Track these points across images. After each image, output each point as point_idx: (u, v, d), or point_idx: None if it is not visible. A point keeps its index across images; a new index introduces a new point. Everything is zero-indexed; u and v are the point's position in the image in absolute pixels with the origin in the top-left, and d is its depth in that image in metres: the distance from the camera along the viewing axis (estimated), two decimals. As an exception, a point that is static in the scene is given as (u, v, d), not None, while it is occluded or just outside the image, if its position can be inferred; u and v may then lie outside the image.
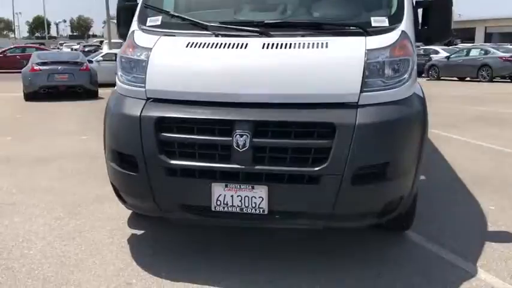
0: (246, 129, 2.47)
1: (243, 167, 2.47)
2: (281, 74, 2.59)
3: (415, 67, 2.86)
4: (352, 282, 2.64)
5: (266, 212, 2.51)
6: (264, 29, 2.81)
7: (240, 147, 2.45)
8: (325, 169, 2.41)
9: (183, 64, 2.76)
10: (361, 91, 2.53)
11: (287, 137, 2.46)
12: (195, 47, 2.77)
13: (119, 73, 2.95)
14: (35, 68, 11.81)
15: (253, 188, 2.49)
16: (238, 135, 2.46)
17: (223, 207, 2.54)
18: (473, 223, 3.53)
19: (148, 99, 2.72)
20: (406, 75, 2.67)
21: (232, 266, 2.80)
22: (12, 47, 25.33)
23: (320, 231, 2.91)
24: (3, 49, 25.24)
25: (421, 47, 24.18)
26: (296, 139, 2.46)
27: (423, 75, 19.42)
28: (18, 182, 4.55)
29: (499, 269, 2.82)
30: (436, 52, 21.61)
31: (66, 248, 3.08)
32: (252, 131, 2.46)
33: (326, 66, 2.59)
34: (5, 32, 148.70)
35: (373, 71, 2.58)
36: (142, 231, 3.34)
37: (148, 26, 3.05)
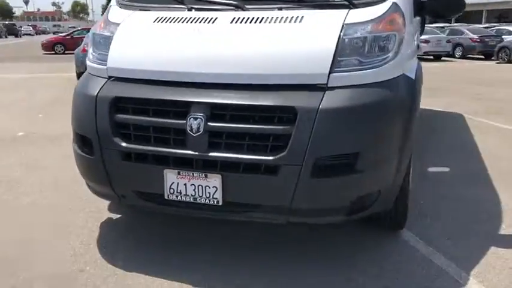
0: (200, 112, 2.24)
1: (196, 153, 2.25)
2: (243, 52, 2.33)
3: (409, 44, 2.51)
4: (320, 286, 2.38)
5: (220, 203, 2.29)
6: (241, 2, 2.56)
7: (194, 131, 2.23)
8: (283, 159, 2.15)
9: (143, 41, 2.57)
10: (331, 71, 2.22)
11: (244, 122, 2.21)
12: (161, 22, 2.59)
13: (89, 50, 2.81)
14: (86, 48, 12.15)
15: (206, 176, 2.27)
16: (192, 119, 2.24)
17: (177, 196, 2.34)
18: (483, 223, 3.10)
19: (109, 77, 2.57)
20: (390, 54, 2.32)
21: (193, 263, 2.61)
22: (78, 28, 26.20)
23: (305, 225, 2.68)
24: (70, 31, 26.47)
25: (495, 27, 22.52)
26: (254, 124, 2.20)
27: (493, 57, 17.96)
28: (22, 159, 4.58)
29: (496, 280, 2.44)
30: (510, 33, 19.91)
31: (35, 228, 3.02)
32: (206, 114, 2.23)
33: (295, 43, 2.30)
34: (81, 15, 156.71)
35: (348, 48, 2.26)
36: (119, 216, 3.23)
37: (126, 0, 2.89)
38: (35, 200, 3.51)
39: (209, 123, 2.22)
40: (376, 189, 2.33)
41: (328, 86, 2.21)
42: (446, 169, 4.32)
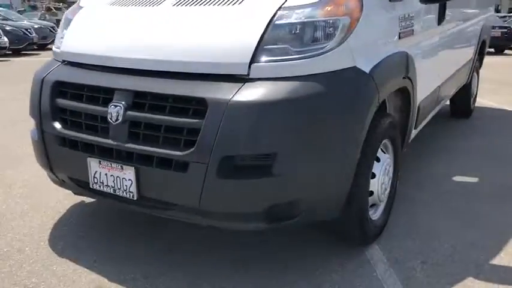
0: (120, 100, 2.14)
1: (115, 143, 2.15)
2: (167, 37, 2.19)
3: (373, 31, 2.24)
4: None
5: (136, 198, 2.17)
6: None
7: (113, 120, 2.13)
8: (191, 155, 1.97)
9: (91, 25, 2.55)
10: (254, 60, 1.98)
11: (161, 113, 2.06)
12: (115, 5, 2.54)
13: (58, 33, 2.84)
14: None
15: (122, 168, 2.16)
16: (112, 106, 2.14)
17: (100, 186, 2.27)
18: (470, 248, 2.60)
19: (63, 61, 2.57)
20: (330, 43, 2.03)
21: (131, 259, 2.53)
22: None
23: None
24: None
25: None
26: (169, 116, 2.04)
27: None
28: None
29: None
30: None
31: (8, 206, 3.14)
32: (127, 103, 2.12)
33: (222, 28, 2.09)
34: None
35: (278, 35, 2.01)
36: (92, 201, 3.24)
37: None
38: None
39: (128, 112, 2.11)
40: (299, 197, 2.04)
41: (250, 77, 1.98)
42: (475, 179, 3.77)
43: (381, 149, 2.54)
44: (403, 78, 2.57)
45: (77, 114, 2.31)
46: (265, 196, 1.99)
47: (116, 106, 2.13)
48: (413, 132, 3.18)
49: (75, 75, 2.39)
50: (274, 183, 1.96)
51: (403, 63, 2.55)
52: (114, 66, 2.25)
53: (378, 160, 2.48)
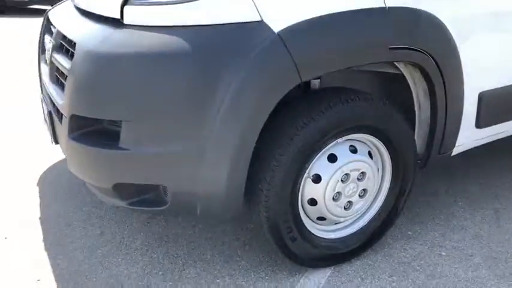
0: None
1: None
2: None
3: None
4: None
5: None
6: None
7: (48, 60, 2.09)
8: (62, 105, 1.77)
9: None
10: (127, 2, 1.60)
11: (62, 54, 1.91)
12: None
13: None
14: None
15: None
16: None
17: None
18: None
19: None
20: (217, -15, 1.48)
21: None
22: None
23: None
24: None
25: None
26: (64, 57, 1.87)
27: None
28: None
29: None
30: None
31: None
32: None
33: None
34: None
35: None
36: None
37: None
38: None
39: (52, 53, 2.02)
40: (158, 181, 1.62)
41: (125, 22, 1.61)
42: None
43: (352, 148, 1.82)
44: (398, 49, 1.70)
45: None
46: (112, 171, 1.65)
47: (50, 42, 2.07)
48: (473, 138, 2.16)
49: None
50: (120, 159, 1.60)
51: (398, 26, 1.69)
52: None
53: (333, 160, 1.78)
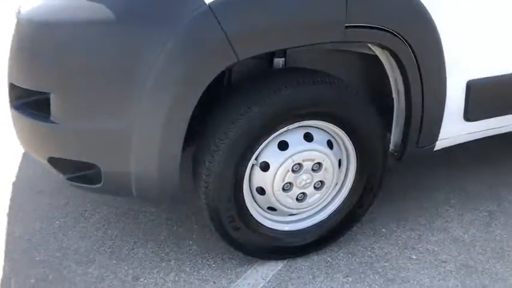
0: None
1: None
2: None
3: None
4: None
5: None
6: None
7: None
8: None
9: None
10: None
11: None
12: None
13: None
14: None
15: None
16: None
17: None
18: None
19: None
20: None
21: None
22: None
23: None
24: None
25: None
26: None
27: None
28: None
29: None
30: None
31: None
32: None
33: None
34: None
35: None
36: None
37: None
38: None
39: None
40: (89, 159, 1.54)
41: None
42: None
43: (308, 136, 1.65)
44: (357, 27, 1.49)
45: None
46: (46, 145, 1.59)
47: None
48: (462, 131, 1.92)
49: None
50: (52, 133, 1.54)
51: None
52: None
53: (284, 148, 1.63)
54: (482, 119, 1.90)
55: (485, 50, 1.76)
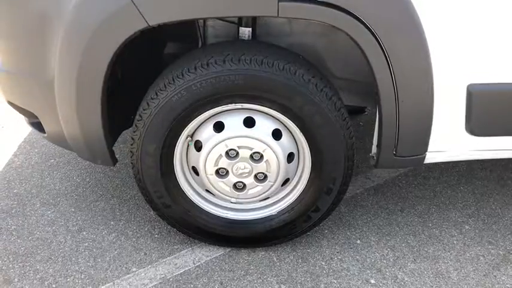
0: None
1: None
2: None
3: None
4: None
5: None
6: None
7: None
8: None
9: None
10: None
11: None
12: None
13: None
14: None
15: None
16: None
17: None
18: None
19: None
20: None
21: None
22: None
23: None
24: None
25: None
26: None
27: None
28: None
29: None
30: None
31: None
32: None
33: None
34: None
35: None
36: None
37: None
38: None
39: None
40: (29, 109, 1.57)
41: None
42: None
43: (249, 121, 1.45)
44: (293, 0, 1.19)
45: None
46: (2, 89, 1.66)
47: None
48: (467, 146, 1.49)
49: None
50: (2, 77, 1.59)
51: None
52: None
53: (220, 129, 1.46)
54: (493, 135, 1.46)
55: (495, 48, 1.31)
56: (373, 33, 1.25)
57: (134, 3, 1.23)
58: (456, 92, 1.37)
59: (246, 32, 1.55)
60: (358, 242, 1.77)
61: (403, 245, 1.75)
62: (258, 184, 1.55)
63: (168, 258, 1.68)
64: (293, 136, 1.51)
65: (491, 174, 2.17)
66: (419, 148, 1.49)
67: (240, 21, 1.55)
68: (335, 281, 1.59)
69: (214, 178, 1.53)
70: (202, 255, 1.69)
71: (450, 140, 1.48)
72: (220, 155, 1.48)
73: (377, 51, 1.28)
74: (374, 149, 1.57)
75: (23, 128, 2.51)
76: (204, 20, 1.66)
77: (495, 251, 1.73)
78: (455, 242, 1.77)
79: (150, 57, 1.77)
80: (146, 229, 1.81)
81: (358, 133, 1.90)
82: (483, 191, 2.05)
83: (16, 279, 1.58)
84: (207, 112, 1.44)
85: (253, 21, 1.54)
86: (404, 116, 1.39)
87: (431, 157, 1.53)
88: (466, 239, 1.78)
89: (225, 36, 1.70)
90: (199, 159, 1.50)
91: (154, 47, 1.79)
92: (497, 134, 1.45)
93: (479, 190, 2.06)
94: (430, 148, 1.49)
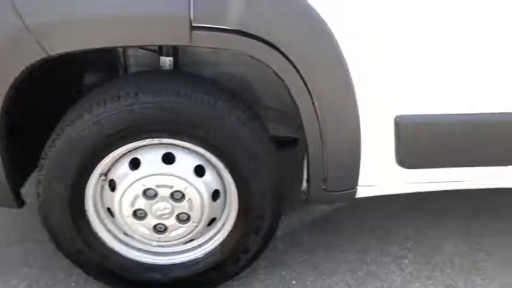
0: None
1: None
2: None
3: None
4: None
5: None
6: None
7: None
8: None
9: None
10: None
11: None
12: None
13: None
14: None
15: None
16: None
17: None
18: None
19: None
20: None
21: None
22: None
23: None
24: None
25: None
26: None
27: None
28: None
29: None
30: None
31: None
32: None
33: None
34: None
35: None
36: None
37: None
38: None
39: None
40: None
41: None
42: None
43: (168, 155, 1.34)
44: (207, 29, 1.12)
45: None
46: None
47: None
48: (402, 179, 1.44)
49: None
50: None
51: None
52: None
53: (136, 167, 1.34)
54: (422, 167, 1.41)
55: (423, 78, 1.28)
56: (290, 61, 1.18)
57: (30, 32, 1.11)
58: (384, 125, 1.32)
59: (166, 61, 1.46)
60: (294, 282, 1.66)
61: (341, 283, 1.67)
62: (181, 225, 1.42)
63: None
64: (218, 172, 1.41)
65: (431, 204, 2.14)
66: (349, 182, 1.42)
67: (161, 50, 1.46)
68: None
69: (131, 220, 1.40)
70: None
71: (381, 174, 1.43)
72: (137, 195, 1.35)
73: (298, 84, 1.21)
74: (304, 184, 1.49)
75: None
76: (124, 48, 1.56)
77: (433, 287, 1.67)
78: (394, 278, 1.70)
79: (67, 88, 1.64)
80: (61, 277, 1.64)
81: (296, 165, 1.84)
82: (423, 223, 2.01)
83: None
84: (122, 148, 1.32)
85: (174, 50, 1.45)
86: (331, 151, 1.33)
87: (363, 191, 1.47)
88: (405, 274, 1.72)
89: (148, 65, 1.60)
90: (114, 199, 1.37)
91: (71, 76, 1.66)
92: (426, 167, 1.41)
93: (419, 221, 2.02)
94: (360, 182, 1.43)
